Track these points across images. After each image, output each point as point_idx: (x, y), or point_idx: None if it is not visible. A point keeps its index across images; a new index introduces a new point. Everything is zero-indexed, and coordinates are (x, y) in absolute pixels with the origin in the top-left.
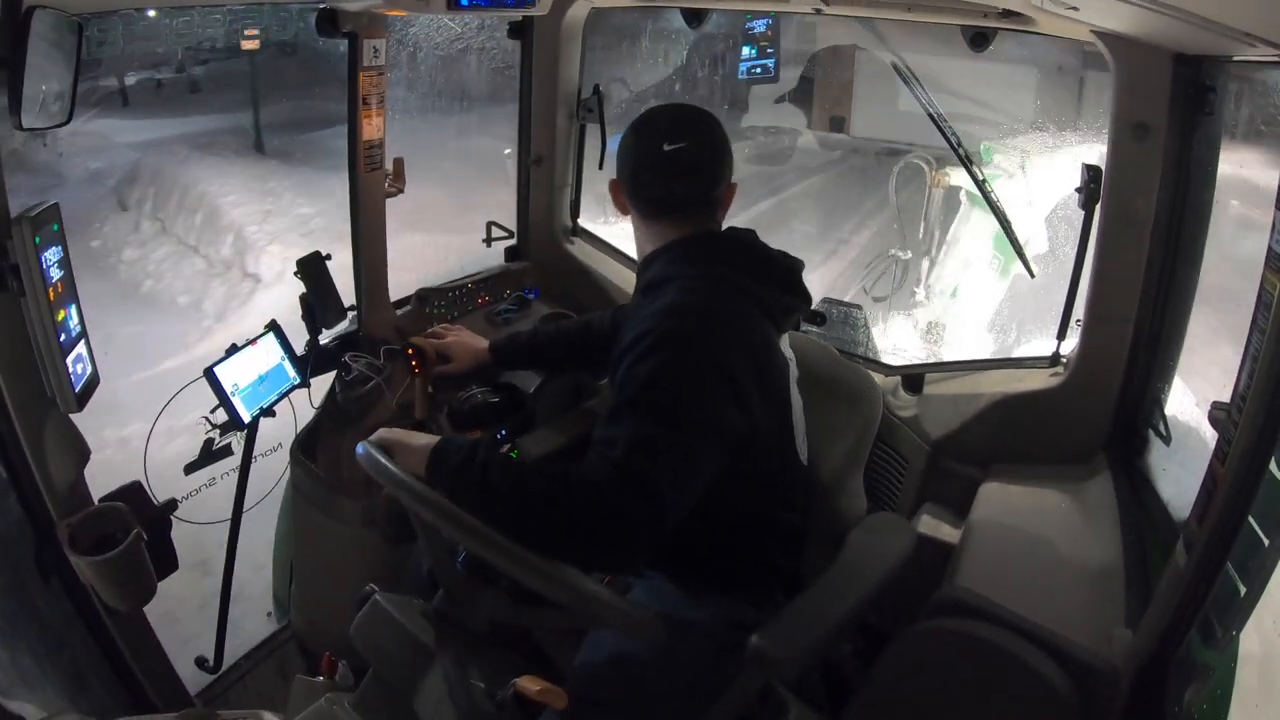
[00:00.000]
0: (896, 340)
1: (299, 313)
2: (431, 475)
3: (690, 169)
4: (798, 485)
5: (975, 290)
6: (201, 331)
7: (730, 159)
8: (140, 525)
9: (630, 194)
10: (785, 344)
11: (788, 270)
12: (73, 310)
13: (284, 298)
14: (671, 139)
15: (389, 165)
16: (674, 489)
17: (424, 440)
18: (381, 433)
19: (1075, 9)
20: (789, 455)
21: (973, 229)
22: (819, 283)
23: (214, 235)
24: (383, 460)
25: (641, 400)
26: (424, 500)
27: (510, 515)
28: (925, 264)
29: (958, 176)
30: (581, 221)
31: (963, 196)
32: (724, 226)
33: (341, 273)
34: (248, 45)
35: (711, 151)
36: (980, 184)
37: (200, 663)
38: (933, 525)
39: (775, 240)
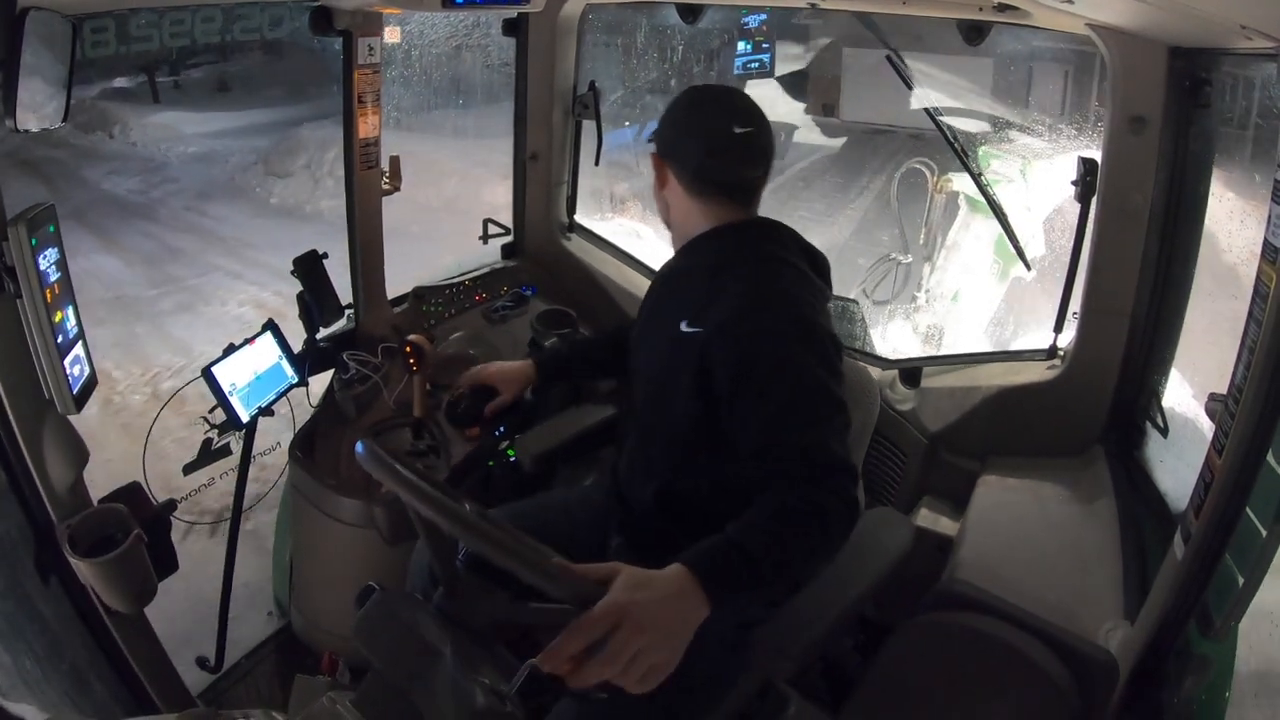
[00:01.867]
0: (896, 344)
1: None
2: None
3: (759, 155)
4: None
5: (975, 294)
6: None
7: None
8: (139, 526)
9: (691, 172)
10: None
11: (823, 259)
12: (70, 311)
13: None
14: (740, 122)
15: (385, 164)
16: (851, 454)
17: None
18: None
19: (1071, 2)
20: None
21: (974, 234)
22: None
23: (431, 179)
24: (382, 457)
25: (798, 405)
26: (424, 497)
27: (792, 570)
28: (926, 268)
29: (960, 182)
30: (578, 218)
31: (961, 201)
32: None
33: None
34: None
35: (771, 137)
36: (977, 179)
37: (201, 663)
38: (931, 518)
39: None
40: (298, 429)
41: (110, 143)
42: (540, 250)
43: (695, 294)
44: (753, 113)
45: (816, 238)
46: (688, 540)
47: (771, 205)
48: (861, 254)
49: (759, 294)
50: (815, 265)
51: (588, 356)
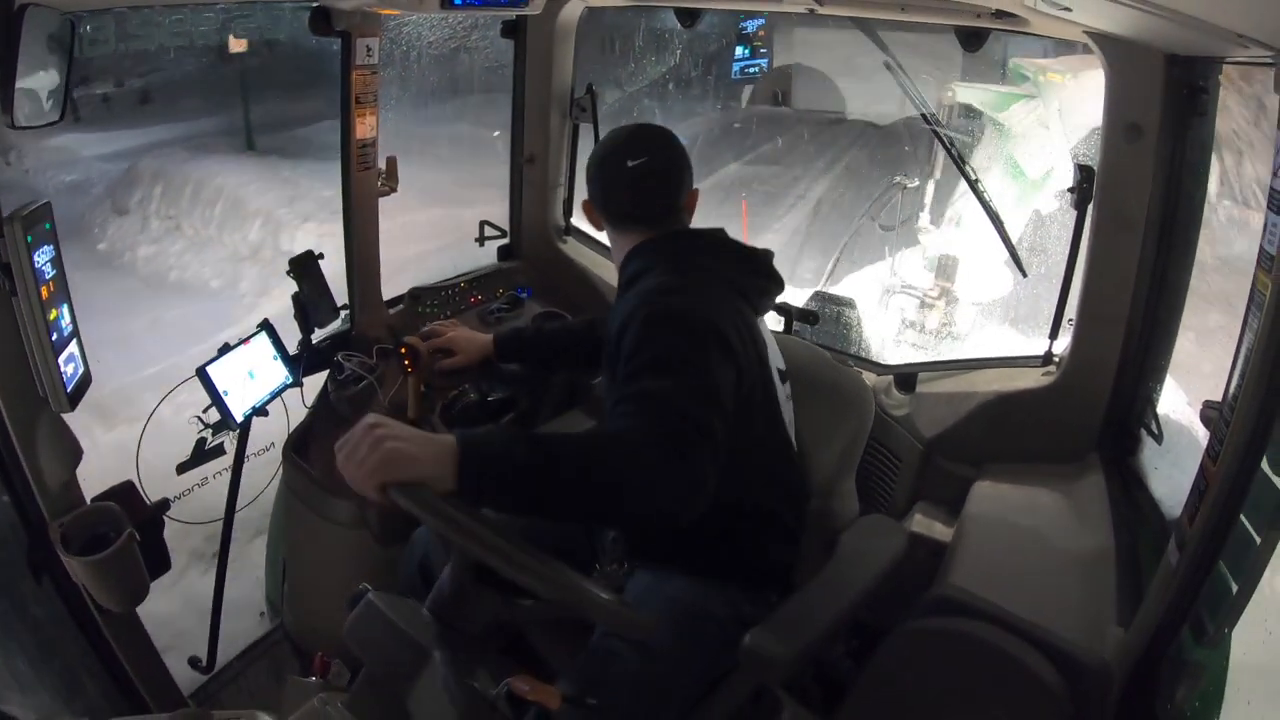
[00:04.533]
0: (905, 276)
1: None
2: (463, 474)
3: (653, 180)
4: (794, 478)
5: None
6: (246, 308)
7: (689, 168)
8: (132, 525)
9: (601, 209)
10: (764, 328)
11: (755, 257)
12: (65, 309)
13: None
14: (634, 155)
15: (382, 164)
16: (706, 413)
17: (436, 440)
18: (393, 438)
19: (1068, 9)
20: (779, 439)
21: (984, 153)
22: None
23: (238, 223)
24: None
25: (650, 365)
26: (443, 521)
27: (575, 487)
28: (930, 187)
29: (966, 94)
30: (574, 220)
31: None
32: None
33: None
34: (236, 48)
35: (670, 163)
36: (973, 184)
37: (194, 663)
38: (925, 524)
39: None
40: (292, 430)
41: (7, 170)
42: (536, 252)
43: (616, 309)
44: (649, 144)
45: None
46: (681, 537)
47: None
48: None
49: (640, 293)
50: (741, 262)
51: (550, 343)
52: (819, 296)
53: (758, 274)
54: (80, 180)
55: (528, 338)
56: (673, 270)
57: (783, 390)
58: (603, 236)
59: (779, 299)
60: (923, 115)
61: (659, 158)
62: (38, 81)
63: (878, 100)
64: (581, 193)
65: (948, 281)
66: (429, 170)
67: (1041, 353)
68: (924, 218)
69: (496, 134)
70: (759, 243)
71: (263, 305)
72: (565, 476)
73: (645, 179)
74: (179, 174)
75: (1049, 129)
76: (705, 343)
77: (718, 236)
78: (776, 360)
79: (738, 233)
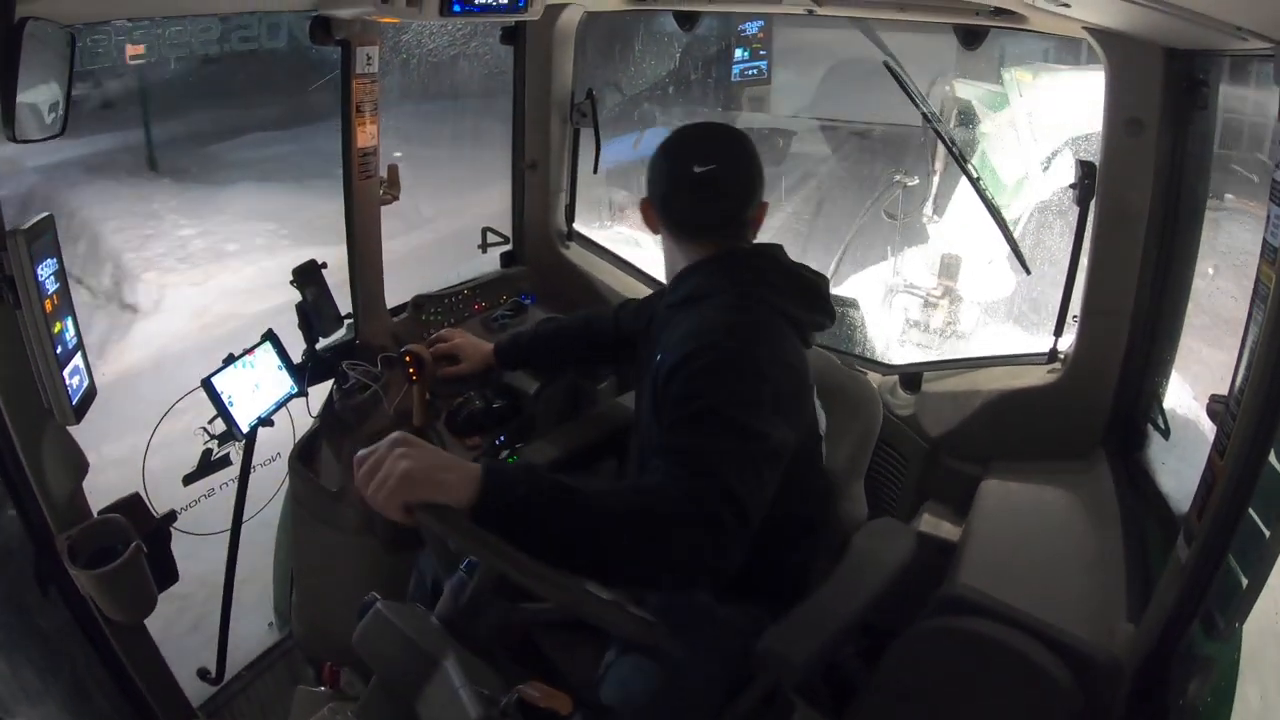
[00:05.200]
0: (908, 275)
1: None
2: (482, 502)
3: (721, 191)
4: (815, 496)
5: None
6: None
7: (761, 178)
8: (139, 537)
9: (661, 215)
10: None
11: (815, 287)
12: (69, 322)
13: (166, 328)
14: (702, 161)
15: (383, 172)
16: (751, 493)
17: (464, 465)
18: (415, 456)
19: (1067, 5)
20: (814, 459)
21: (984, 145)
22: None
23: (95, 265)
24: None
25: (705, 415)
26: (469, 539)
27: (592, 537)
28: (935, 181)
29: (965, 89)
30: (577, 226)
31: (975, 106)
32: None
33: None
34: (132, 54)
35: (742, 173)
36: (975, 182)
37: (202, 674)
38: (933, 523)
39: None
40: (297, 439)
41: None
42: (539, 258)
43: (669, 327)
44: (719, 150)
45: None
46: None
47: None
48: None
49: (700, 328)
50: (801, 294)
51: (548, 345)
52: None
53: (814, 308)
54: (6, 196)
55: (525, 343)
56: (734, 304)
57: (821, 414)
58: (606, 239)
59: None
60: (922, 113)
61: (729, 166)
62: (39, 95)
63: (868, 106)
64: (583, 198)
65: (951, 280)
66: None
67: (1046, 350)
68: (928, 208)
69: (398, 154)
70: None
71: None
72: (584, 524)
73: (712, 188)
74: (60, 201)
75: (1018, 131)
76: (762, 402)
77: (780, 261)
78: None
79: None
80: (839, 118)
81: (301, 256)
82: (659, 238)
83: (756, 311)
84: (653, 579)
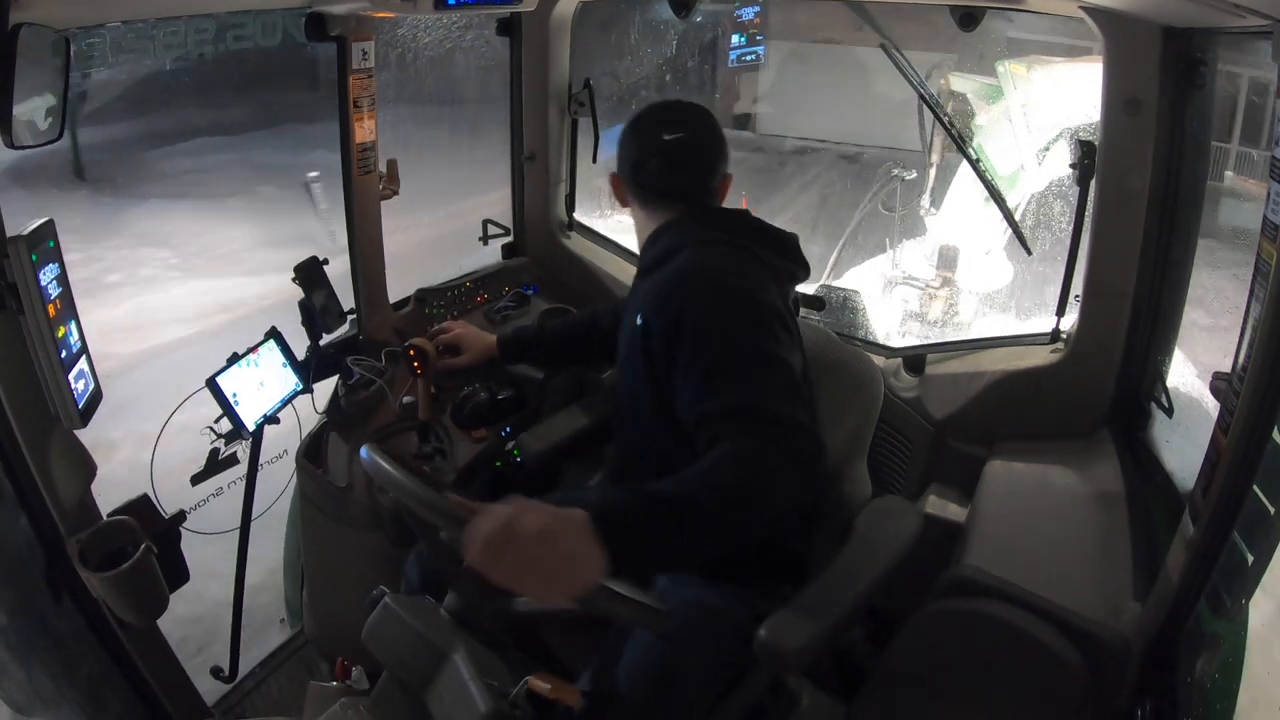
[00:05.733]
0: (907, 267)
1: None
2: (615, 559)
3: (689, 156)
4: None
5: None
6: None
7: (726, 149)
8: (149, 538)
9: (631, 183)
10: None
11: (783, 237)
12: (73, 326)
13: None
14: (670, 129)
15: (382, 168)
16: (806, 414)
17: (571, 516)
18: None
19: None
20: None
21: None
22: None
23: None
24: (384, 464)
25: (728, 365)
26: (426, 503)
27: (714, 532)
28: (932, 173)
29: (961, 83)
30: (577, 215)
31: (970, 99)
32: None
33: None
34: None
35: (707, 140)
36: (975, 164)
37: (216, 673)
38: (939, 505)
39: None
40: (304, 436)
41: None
42: (541, 249)
43: (643, 290)
44: (686, 119)
45: None
46: None
47: None
48: None
49: (685, 272)
50: (775, 245)
51: (553, 340)
52: (824, 286)
53: (789, 257)
54: None
55: (530, 336)
56: (714, 247)
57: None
58: (607, 228)
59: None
60: (921, 98)
61: (697, 133)
62: (34, 100)
63: (858, 124)
64: (584, 188)
65: (949, 271)
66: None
67: (1049, 330)
68: (924, 200)
69: (314, 175)
70: None
71: None
72: (705, 521)
73: (680, 153)
74: None
75: (1012, 123)
76: (774, 330)
77: (749, 218)
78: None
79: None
80: (827, 138)
81: (191, 292)
82: (626, 214)
83: (727, 253)
84: (776, 513)
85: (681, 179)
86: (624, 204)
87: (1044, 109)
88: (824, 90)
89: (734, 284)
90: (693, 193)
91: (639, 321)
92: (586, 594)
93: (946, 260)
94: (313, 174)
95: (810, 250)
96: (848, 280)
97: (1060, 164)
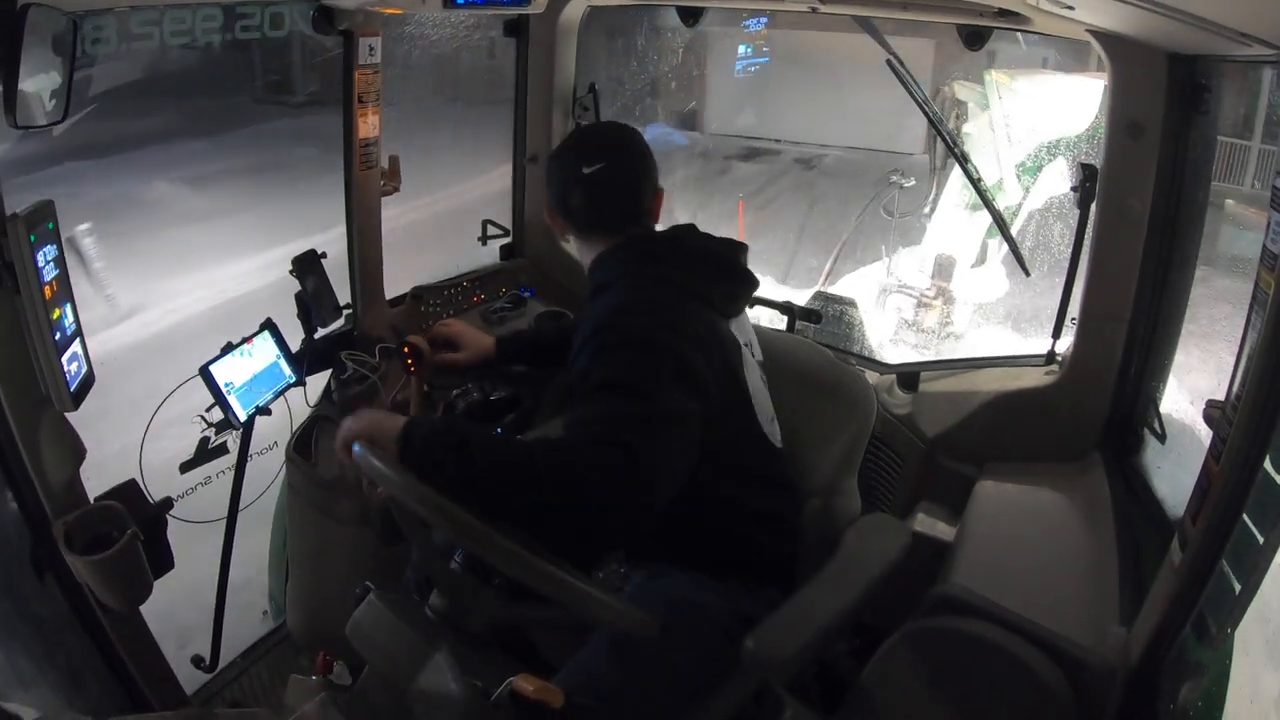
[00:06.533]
0: (902, 276)
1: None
2: (403, 450)
3: (612, 186)
4: (773, 467)
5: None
6: None
7: (652, 169)
8: (136, 524)
9: (561, 216)
10: (741, 327)
11: (722, 259)
12: (68, 309)
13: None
14: (589, 161)
15: (384, 163)
16: (654, 454)
17: (396, 419)
18: (360, 419)
19: (1071, 8)
20: (753, 435)
21: (979, 144)
22: None
23: None
24: (375, 461)
25: (605, 385)
26: (417, 497)
27: (487, 484)
28: (935, 180)
29: (964, 92)
30: None
31: (970, 109)
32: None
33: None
34: None
35: (628, 168)
36: (975, 183)
37: (197, 661)
38: (928, 523)
39: None
40: (294, 429)
41: None
42: (539, 252)
43: (584, 319)
44: (606, 148)
45: None
46: (677, 536)
47: None
48: None
49: (600, 312)
50: (707, 267)
51: (550, 343)
52: (820, 297)
53: (723, 278)
54: None
55: (528, 339)
56: (634, 286)
57: (757, 385)
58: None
59: (781, 298)
60: (924, 111)
61: (616, 163)
62: (40, 81)
63: (819, 122)
64: None
65: (945, 281)
66: None
67: (1044, 352)
68: (928, 207)
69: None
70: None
71: None
72: (482, 469)
73: (602, 186)
74: None
75: (995, 133)
76: (662, 373)
77: (683, 241)
78: (755, 355)
79: (734, 234)
80: (783, 139)
81: None
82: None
83: (656, 291)
84: (564, 534)
85: (608, 210)
86: (563, 234)
87: (1026, 120)
88: (782, 83)
89: (637, 325)
90: (621, 222)
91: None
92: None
93: (942, 270)
94: (82, 226)
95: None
96: (842, 287)
97: (1053, 183)
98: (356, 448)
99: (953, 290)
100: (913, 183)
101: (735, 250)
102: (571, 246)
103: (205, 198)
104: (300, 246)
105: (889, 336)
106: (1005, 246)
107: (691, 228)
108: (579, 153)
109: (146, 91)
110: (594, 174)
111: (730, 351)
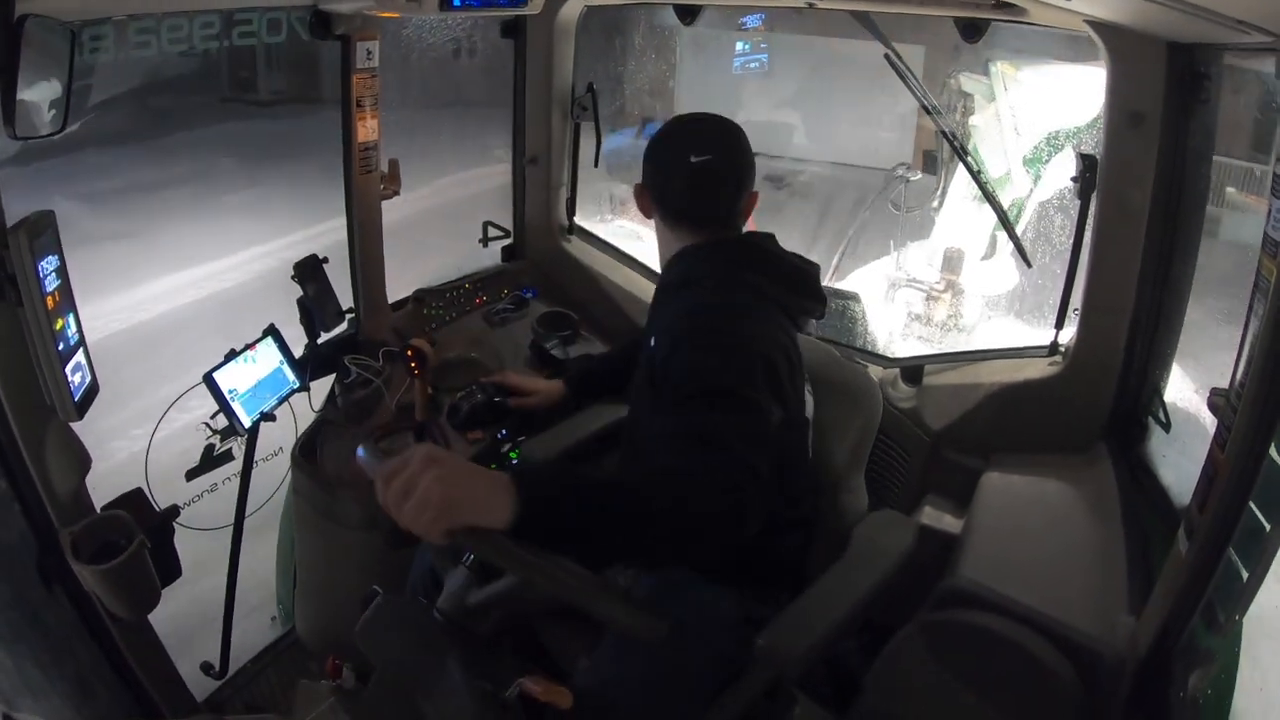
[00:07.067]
0: (910, 270)
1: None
2: (525, 517)
3: (716, 182)
4: (803, 479)
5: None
6: None
7: (752, 169)
8: (143, 533)
9: (657, 203)
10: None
11: (803, 273)
12: (71, 319)
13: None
14: (698, 151)
15: (384, 167)
16: (762, 461)
17: (494, 485)
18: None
19: None
20: (800, 449)
21: (983, 135)
22: None
23: None
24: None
25: (709, 394)
26: (513, 560)
27: (631, 533)
28: (943, 173)
29: (969, 84)
30: (578, 219)
31: (976, 101)
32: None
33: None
34: None
35: (736, 163)
36: (975, 175)
37: (206, 669)
38: (935, 516)
39: None
40: (299, 434)
41: None
42: (540, 253)
43: (660, 315)
44: (715, 141)
45: None
46: None
47: None
48: None
49: (691, 310)
50: (788, 279)
51: (619, 370)
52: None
53: (803, 294)
54: None
55: (597, 375)
56: (723, 287)
57: (809, 401)
58: (607, 233)
59: None
60: (924, 107)
61: (724, 157)
62: (39, 91)
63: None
64: (584, 192)
65: (953, 274)
66: None
67: (1048, 343)
68: (936, 200)
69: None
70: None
71: None
72: (620, 521)
73: (707, 179)
74: None
75: (1001, 123)
76: (757, 377)
77: (769, 249)
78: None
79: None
80: (759, 151)
81: None
82: (624, 219)
83: (744, 294)
84: (686, 553)
85: (706, 204)
86: (648, 216)
87: (1033, 111)
88: (759, 90)
89: (731, 329)
90: (717, 217)
91: (652, 344)
92: (474, 537)
93: (951, 263)
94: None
95: None
96: (850, 282)
97: (1061, 176)
98: (361, 452)
99: (962, 283)
100: (919, 176)
101: (813, 268)
102: (570, 251)
103: (99, 218)
104: (206, 273)
105: (899, 330)
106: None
107: (771, 238)
108: (691, 141)
109: (109, 88)
110: (701, 165)
111: (800, 363)
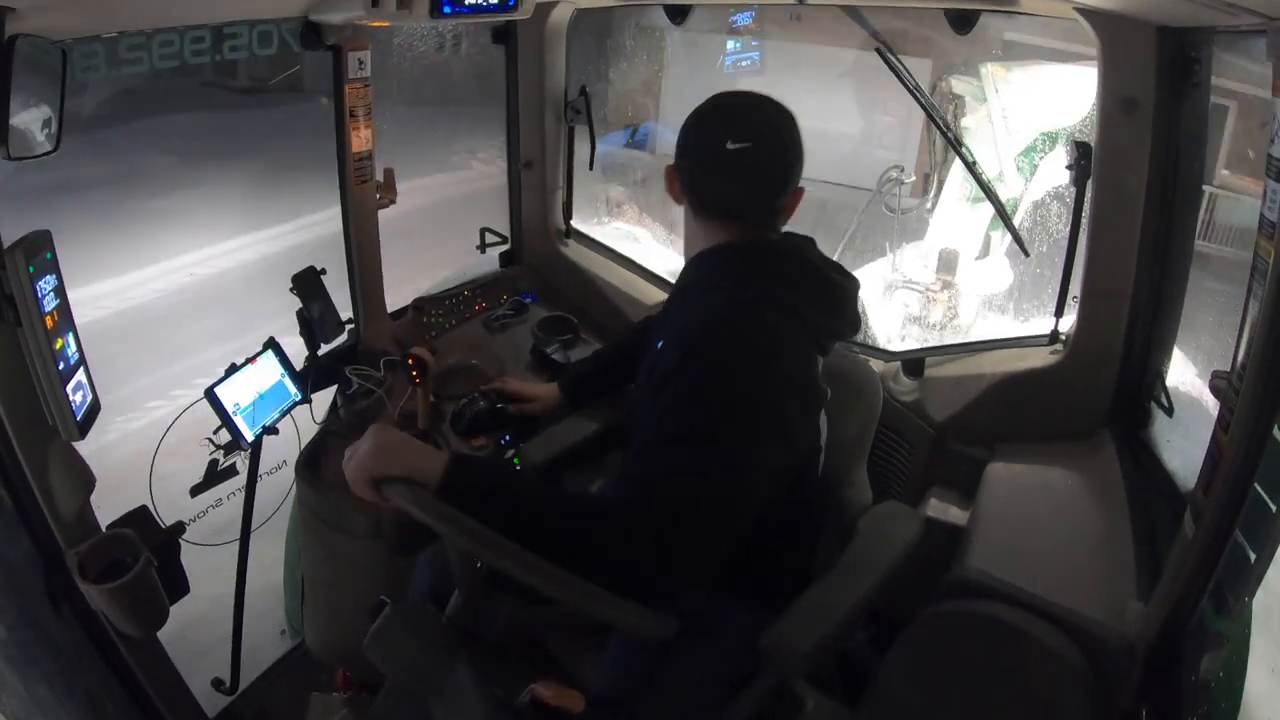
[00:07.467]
0: (907, 271)
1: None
2: (448, 483)
3: (753, 174)
4: (814, 487)
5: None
6: None
7: (801, 162)
8: (149, 550)
9: (686, 189)
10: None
11: (840, 290)
12: (70, 338)
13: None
14: (737, 137)
15: (379, 176)
16: (711, 522)
17: (429, 456)
18: (381, 451)
19: None
20: (812, 474)
21: (977, 136)
22: None
23: None
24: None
25: (686, 433)
26: (433, 512)
27: (538, 542)
28: (937, 171)
29: (961, 86)
30: (575, 223)
31: (968, 103)
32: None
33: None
34: None
35: (779, 155)
36: (971, 167)
37: (216, 684)
38: (940, 508)
39: None
40: (303, 446)
41: None
42: (538, 257)
43: (673, 312)
44: (757, 126)
45: None
46: None
47: None
48: None
49: (699, 327)
50: (822, 297)
51: (613, 371)
52: None
53: (834, 313)
54: None
55: (587, 376)
56: (745, 301)
57: (825, 429)
58: (604, 235)
59: None
60: (917, 100)
61: (767, 146)
62: (31, 112)
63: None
64: (580, 194)
65: (949, 275)
66: None
67: (1048, 332)
68: (928, 199)
69: None
70: None
71: None
72: (537, 532)
73: (743, 170)
74: None
75: (992, 124)
76: (755, 426)
77: (806, 258)
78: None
79: None
80: None
81: None
82: (621, 221)
83: (765, 314)
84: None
85: (741, 199)
86: (677, 200)
87: (1024, 111)
88: (749, 87)
89: (742, 363)
90: (753, 215)
91: (660, 346)
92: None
93: (946, 264)
94: None
95: None
96: None
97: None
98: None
99: (957, 283)
100: (913, 179)
101: (851, 284)
102: (568, 254)
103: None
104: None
105: (896, 332)
106: (1008, 239)
107: (811, 243)
108: (729, 124)
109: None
110: (738, 153)
111: (814, 393)
